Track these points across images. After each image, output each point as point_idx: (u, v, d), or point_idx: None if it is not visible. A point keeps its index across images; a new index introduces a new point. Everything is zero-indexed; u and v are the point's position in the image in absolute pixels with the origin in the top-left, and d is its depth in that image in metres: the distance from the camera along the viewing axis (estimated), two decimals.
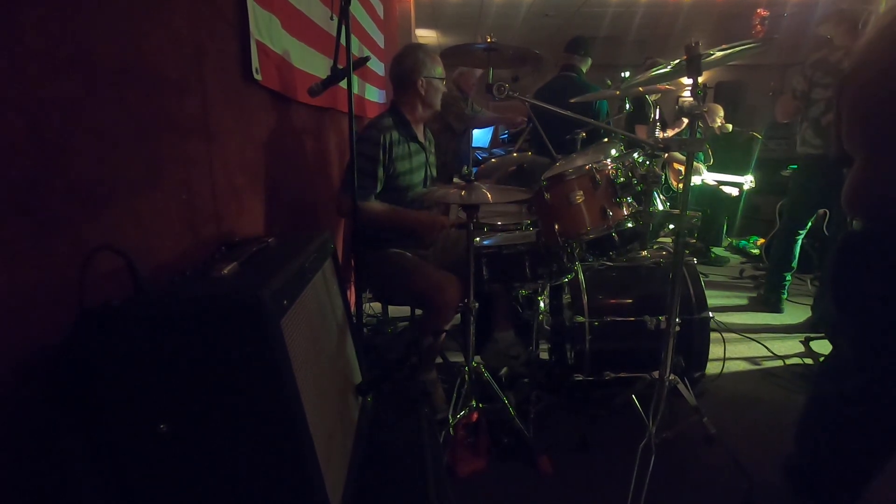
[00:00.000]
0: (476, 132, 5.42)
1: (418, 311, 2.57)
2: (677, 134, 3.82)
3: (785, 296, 3.23)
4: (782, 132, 5.28)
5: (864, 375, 1.13)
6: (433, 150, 2.26)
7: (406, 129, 2.04)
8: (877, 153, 1.01)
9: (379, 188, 1.95)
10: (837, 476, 1.21)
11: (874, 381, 1.12)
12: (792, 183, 3.19)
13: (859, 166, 1.06)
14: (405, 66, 2.04)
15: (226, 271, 0.91)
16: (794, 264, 3.17)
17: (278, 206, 1.74)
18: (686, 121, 3.22)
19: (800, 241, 3.14)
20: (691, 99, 1.43)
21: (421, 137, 2.12)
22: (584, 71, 3.45)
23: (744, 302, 3.42)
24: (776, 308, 3.21)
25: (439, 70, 2.06)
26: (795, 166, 3.17)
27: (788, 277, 3.20)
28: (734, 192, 4.16)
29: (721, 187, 4.17)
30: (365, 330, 2.39)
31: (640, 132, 3.41)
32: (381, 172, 1.93)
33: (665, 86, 2.31)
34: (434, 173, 2.24)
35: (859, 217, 1.07)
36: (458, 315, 1.87)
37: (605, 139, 3.06)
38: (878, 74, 0.98)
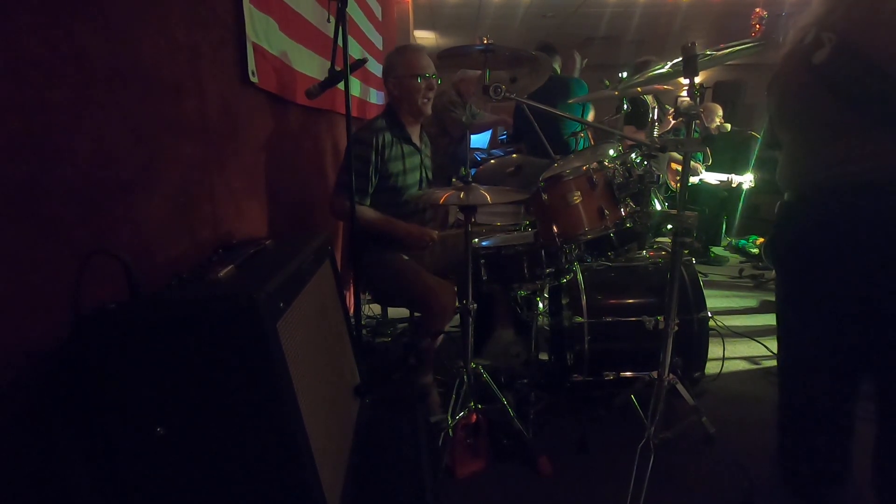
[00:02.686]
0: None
1: (417, 314, 2.57)
2: (668, 132, 3.82)
3: None
4: None
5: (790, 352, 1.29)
6: (429, 153, 2.25)
7: (400, 131, 2.04)
8: (795, 136, 1.24)
9: (371, 189, 1.96)
10: (813, 467, 1.28)
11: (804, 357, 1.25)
12: None
13: (787, 148, 1.27)
14: (383, 71, 2.08)
15: (222, 274, 0.91)
16: None
17: (276, 209, 1.74)
18: (672, 119, 3.24)
19: None
20: (688, 99, 1.43)
21: (416, 139, 2.12)
22: (558, 70, 3.62)
23: (743, 301, 3.42)
24: None
25: (421, 66, 2.00)
26: None
27: None
28: (738, 180, 4.10)
29: (721, 182, 4.16)
30: (364, 331, 2.39)
31: (629, 133, 3.41)
32: (371, 173, 1.94)
33: (663, 87, 2.31)
34: (430, 176, 2.24)
35: (788, 192, 1.27)
36: (458, 316, 1.87)
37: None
38: (793, 67, 1.19)
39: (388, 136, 1.98)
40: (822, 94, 1.12)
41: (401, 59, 2.03)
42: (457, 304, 1.88)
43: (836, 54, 1.06)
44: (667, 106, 3.28)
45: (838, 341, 1.18)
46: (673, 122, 3.29)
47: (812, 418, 1.27)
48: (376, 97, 3.56)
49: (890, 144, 1.04)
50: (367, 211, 1.94)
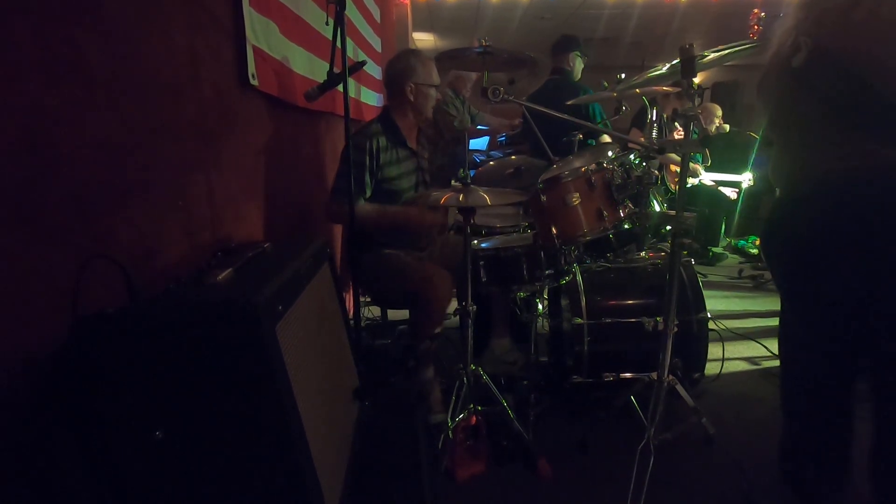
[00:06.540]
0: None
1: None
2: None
3: None
4: None
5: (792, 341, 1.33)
6: (426, 156, 2.25)
7: (395, 135, 2.04)
8: (783, 135, 1.28)
9: (368, 193, 1.96)
10: (815, 465, 1.31)
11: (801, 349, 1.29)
12: None
13: (777, 147, 1.32)
14: (396, 71, 2.05)
15: (221, 278, 0.91)
16: None
17: (275, 211, 1.74)
18: (681, 130, 3.22)
19: None
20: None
21: (412, 143, 2.12)
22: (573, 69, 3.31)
23: (742, 302, 3.42)
24: None
25: (434, 78, 2.04)
26: None
27: None
28: (733, 194, 4.14)
29: (720, 188, 4.17)
30: (363, 334, 2.38)
31: (636, 137, 3.39)
32: (367, 177, 1.94)
33: (662, 88, 2.30)
34: (427, 179, 2.24)
35: (779, 189, 1.30)
36: (457, 318, 1.87)
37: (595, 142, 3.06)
38: (777, 69, 1.22)
39: (382, 141, 1.97)
40: (803, 96, 1.16)
41: (421, 66, 2.03)
42: (455, 301, 1.87)
43: (812, 58, 1.10)
44: (676, 123, 3.25)
45: (833, 336, 1.20)
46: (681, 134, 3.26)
47: (812, 418, 1.29)
48: (374, 99, 3.57)
49: (871, 144, 1.07)
50: (362, 207, 1.94)
